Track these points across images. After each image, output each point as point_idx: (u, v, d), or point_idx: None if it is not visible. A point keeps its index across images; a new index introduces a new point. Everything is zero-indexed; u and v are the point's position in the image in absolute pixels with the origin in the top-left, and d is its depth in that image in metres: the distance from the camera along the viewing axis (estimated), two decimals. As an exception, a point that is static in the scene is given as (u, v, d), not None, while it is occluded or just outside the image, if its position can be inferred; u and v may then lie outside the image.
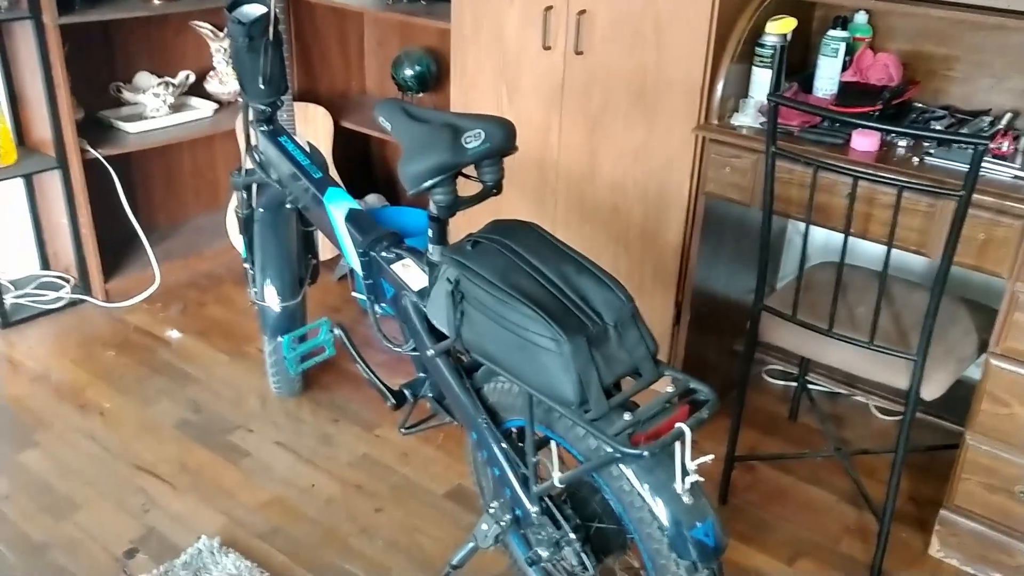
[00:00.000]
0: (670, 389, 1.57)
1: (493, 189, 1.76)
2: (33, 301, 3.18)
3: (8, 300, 3.13)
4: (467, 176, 1.76)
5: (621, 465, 1.54)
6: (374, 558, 2.21)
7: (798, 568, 2.23)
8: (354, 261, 2.10)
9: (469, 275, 1.61)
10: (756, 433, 2.70)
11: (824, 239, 2.67)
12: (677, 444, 1.47)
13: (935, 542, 2.25)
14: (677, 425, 1.46)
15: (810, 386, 2.78)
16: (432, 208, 1.75)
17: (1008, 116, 2.27)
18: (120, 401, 2.76)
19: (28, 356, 2.96)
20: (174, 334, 3.12)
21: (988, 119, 2.27)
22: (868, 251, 2.41)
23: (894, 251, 1.98)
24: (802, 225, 2.08)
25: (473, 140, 1.66)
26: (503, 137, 1.70)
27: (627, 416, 1.50)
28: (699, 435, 2.61)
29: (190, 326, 3.17)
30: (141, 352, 3.01)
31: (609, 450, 1.47)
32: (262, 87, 2.21)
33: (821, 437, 2.68)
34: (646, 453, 1.43)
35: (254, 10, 2.16)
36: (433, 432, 2.54)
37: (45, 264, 3.36)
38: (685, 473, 1.48)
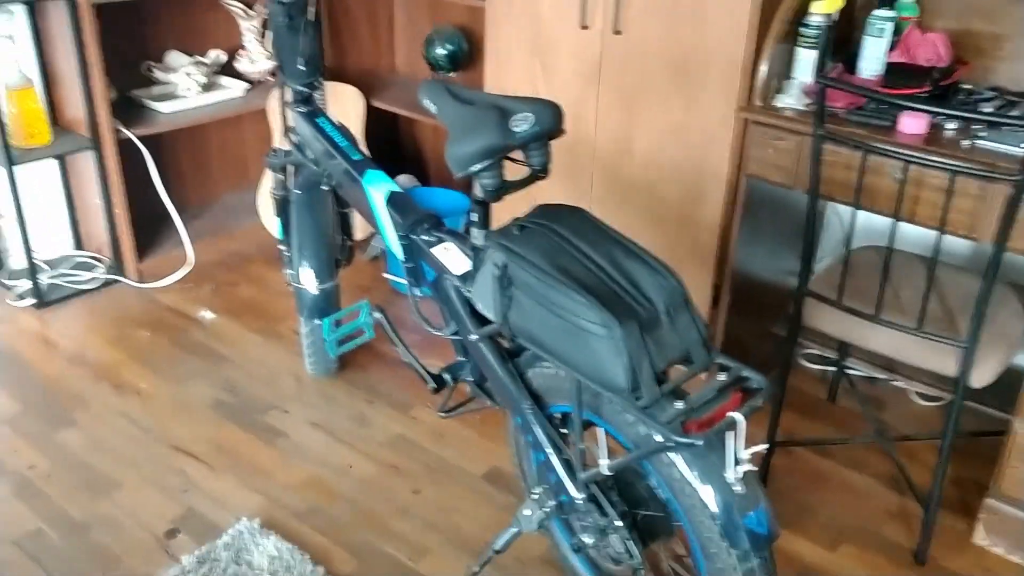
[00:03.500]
0: (721, 376, 1.54)
1: (540, 173, 1.74)
2: (67, 281, 3.19)
3: (43, 280, 3.14)
4: (513, 160, 1.73)
5: (671, 453, 1.52)
6: (413, 538, 2.21)
7: (841, 553, 2.22)
8: (394, 244, 2.08)
9: (517, 260, 1.59)
10: (795, 417, 2.67)
11: (864, 222, 2.62)
12: (729, 432, 1.45)
13: (980, 529, 2.22)
14: (730, 413, 1.44)
15: (849, 370, 2.75)
16: (478, 192, 1.72)
17: (1060, 97, 2.22)
18: (156, 381, 2.76)
19: (63, 336, 2.98)
20: (207, 314, 3.12)
21: (1039, 100, 2.22)
22: (909, 233, 2.37)
23: (928, 232, 1.95)
24: (841, 207, 2.04)
25: (522, 123, 1.63)
26: (552, 119, 1.68)
27: (678, 403, 1.48)
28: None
29: (223, 306, 3.17)
30: (175, 332, 3.01)
31: (660, 438, 1.45)
32: (301, 67, 2.18)
33: (860, 421, 2.65)
34: (701, 442, 1.41)
35: (294, -12, 2.14)
36: (469, 414, 2.53)
37: (79, 244, 3.37)
38: (737, 461, 1.47)
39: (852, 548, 2.23)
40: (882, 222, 2.50)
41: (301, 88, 2.25)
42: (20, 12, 2.95)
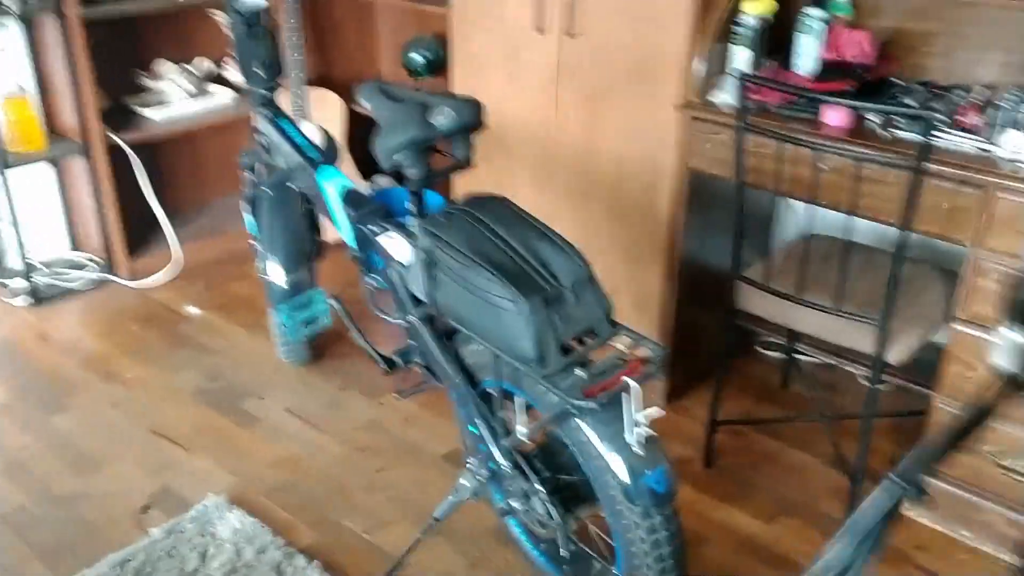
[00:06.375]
0: (621, 347, 1.68)
1: (463, 163, 1.88)
2: (63, 280, 3.37)
3: (39, 280, 3.32)
4: (440, 151, 1.87)
5: (579, 420, 1.65)
6: (373, 512, 2.36)
7: (777, 524, 2.33)
8: (347, 235, 2.23)
9: (440, 244, 1.73)
10: (749, 401, 2.79)
11: (822, 213, 2.74)
12: (625, 396, 1.58)
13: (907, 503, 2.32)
14: (624, 379, 1.57)
15: (801, 356, 2.86)
16: (408, 182, 1.87)
17: (983, 90, 2.32)
18: (142, 371, 2.93)
19: (58, 331, 3.15)
20: (195, 310, 3.29)
21: (964, 93, 2.33)
22: (864, 224, 2.48)
23: (883, 225, 2.12)
24: (794, 201, 2.17)
25: (441, 116, 1.77)
26: (471, 114, 1.82)
27: (580, 372, 1.61)
28: (693, 403, 2.74)
29: (211, 302, 3.34)
30: (164, 326, 3.18)
31: (563, 403, 1.59)
32: (261, 73, 2.34)
33: (809, 405, 2.76)
34: (593, 405, 1.54)
35: (253, 1, 2.30)
36: (435, 399, 2.67)
37: (75, 245, 3.55)
38: (634, 424, 1.59)
39: (789, 520, 2.34)
40: (838, 215, 2.62)
41: (263, 91, 2.41)
42: (15, 26, 3.14)
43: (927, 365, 2.34)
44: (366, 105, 1.90)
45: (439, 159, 1.91)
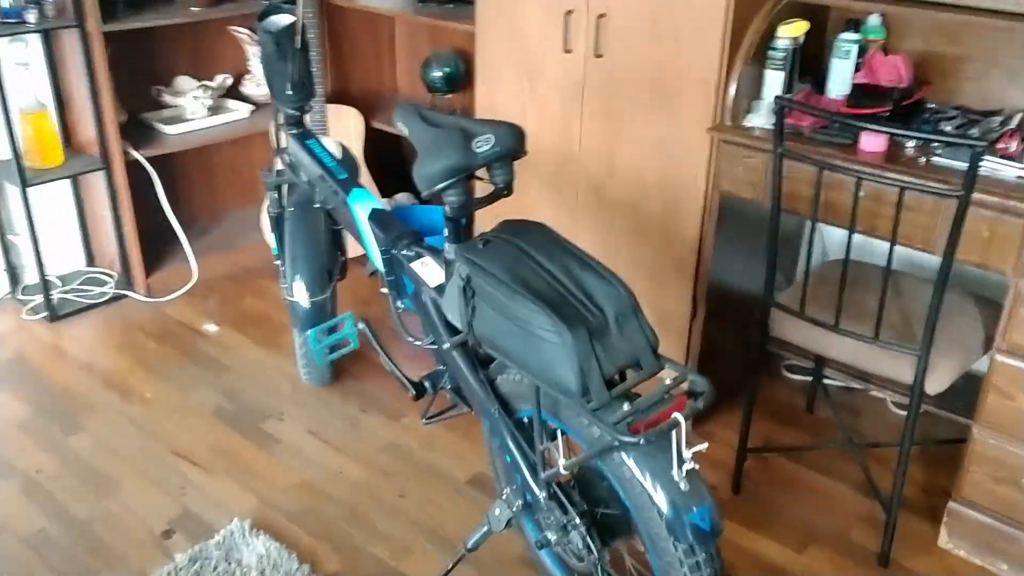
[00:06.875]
0: (668, 380, 1.64)
1: (504, 190, 1.85)
2: (79, 296, 3.34)
3: (56, 295, 3.29)
4: (479, 178, 1.84)
5: (622, 453, 1.62)
6: (397, 540, 2.32)
7: (808, 554, 2.30)
8: (376, 259, 2.20)
9: (479, 272, 1.70)
10: (773, 425, 2.76)
11: (844, 236, 2.71)
12: (674, 432, 1.54)
13: (943, 533, 2.29)
14: (673, 415, 1.53)
15: (827, 380, 2.83)
16: (446, 208, 1.84)
17: (1020, 116, 2.30)
18: (160, 389, 2.90)
19: (75, 347, 3.12)
20: (211, 326, 3.26)
21: (999, 119, 2.30)
22: (884, 248, 2.45)
23: (912, 250, 2.09)
24: (824, 225, 2.13)
25: (483, 144, 1.75)
26: (512, 141, 1.79)
27: (627, 406, 1.58)
28: (715, 426, 2.71)
29: (227, 317, 3.31)
30: (180, 343, 3.15)
31: (608, 437, 1.55)
32: (290, 92, 2.31)
33: (835, 429, 2.73)
34: (642, 441, 1.50)
35: (283, 20, 2.27)
36: (457, 422, 2.63)
37: (90, 260, 3.52)
38: (681, 460, 1.56)
39: (819, 550, 2.31)
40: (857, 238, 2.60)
41: (291, 111, 2.38)
42: (35, 40, 3.11)
43: (958, 392, 2.31)
44: (403, 130, 1.87)
45: (476, 185, 1.88)
